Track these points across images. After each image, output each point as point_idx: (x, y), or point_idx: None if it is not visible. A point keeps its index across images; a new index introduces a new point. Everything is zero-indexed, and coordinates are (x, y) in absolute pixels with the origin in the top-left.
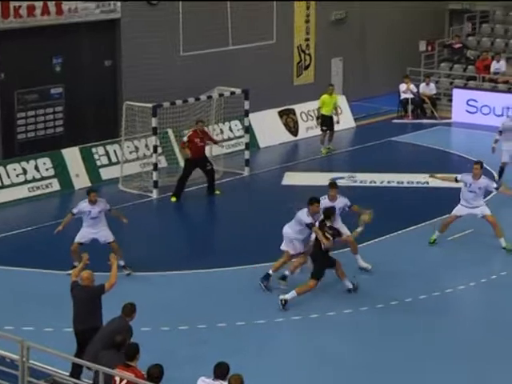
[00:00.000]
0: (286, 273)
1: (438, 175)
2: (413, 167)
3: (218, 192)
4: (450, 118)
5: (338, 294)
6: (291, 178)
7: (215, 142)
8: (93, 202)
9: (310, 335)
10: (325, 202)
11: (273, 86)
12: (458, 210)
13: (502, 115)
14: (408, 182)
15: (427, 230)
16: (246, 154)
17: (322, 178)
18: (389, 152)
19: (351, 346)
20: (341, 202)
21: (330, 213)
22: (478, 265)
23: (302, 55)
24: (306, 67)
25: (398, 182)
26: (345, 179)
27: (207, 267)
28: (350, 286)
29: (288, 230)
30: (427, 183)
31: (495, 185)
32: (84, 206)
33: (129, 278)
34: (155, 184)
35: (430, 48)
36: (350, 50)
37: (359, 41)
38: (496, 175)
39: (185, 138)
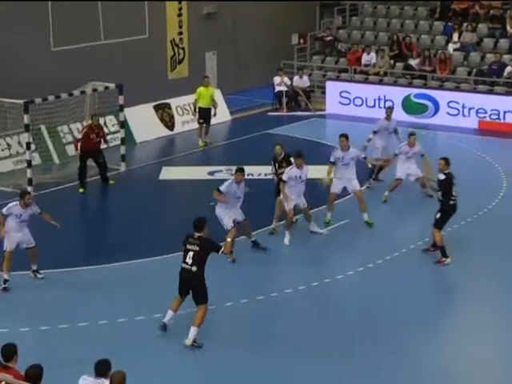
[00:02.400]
0: None
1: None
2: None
3: (112, 182)
4: (323, 110)
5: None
6: (169, 173)
7: (105, 141)
8: (26, 205)
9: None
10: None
11: (147, 80)
12: (335, 186)
13: (373, 106)
14: None
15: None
16: (122, 149)
17: (199, 172)
18: (265, 144)
19: (239, 341)
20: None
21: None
22: (356, 253)
23: (176, 49)
24: (180, 61)
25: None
26: (223, 172)
27: (86, 265)
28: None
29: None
30: None
31: (363, 154)
32: (15, 208)
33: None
34: (29, 181)
35: (302, 41)
36: (223, 43)
37: (232, 34)
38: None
39: (79, 136)
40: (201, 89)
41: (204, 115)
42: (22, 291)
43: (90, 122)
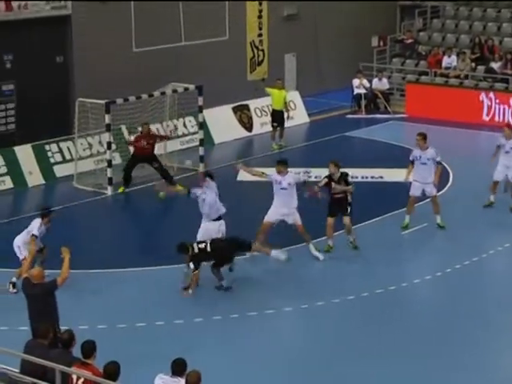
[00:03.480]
0: None
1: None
2: (367, 162)
3: (180, 188)
4: (403, 113)
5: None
6: (246, 174)
7: (168, 138)
8: (48, 223)
9: (267, 330)
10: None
11: (226, 81)
12: (414, 189)
13: (453, 110)
14: (362, 177)
15: (385, 223)
16: (201, 150)
17: None
18: (343, 147)
19: (310, 340)
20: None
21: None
22: (434, 257)
23: (255, 51)
24: (260, 63)
25: (352, 177)
26: (300, 174)
27: (162, 264)
28: None
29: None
30: (381, 177)
31: (439, 158)
32: (42, 228)
33: (84, 276)
34: (110, 181)
35: (381, 43)
36: (302, 45)
37: (312, 36)
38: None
39: (132, 138)
40: (273, 91)
41: (277, 117)
42: (100, 289)
43: (140, 129)
